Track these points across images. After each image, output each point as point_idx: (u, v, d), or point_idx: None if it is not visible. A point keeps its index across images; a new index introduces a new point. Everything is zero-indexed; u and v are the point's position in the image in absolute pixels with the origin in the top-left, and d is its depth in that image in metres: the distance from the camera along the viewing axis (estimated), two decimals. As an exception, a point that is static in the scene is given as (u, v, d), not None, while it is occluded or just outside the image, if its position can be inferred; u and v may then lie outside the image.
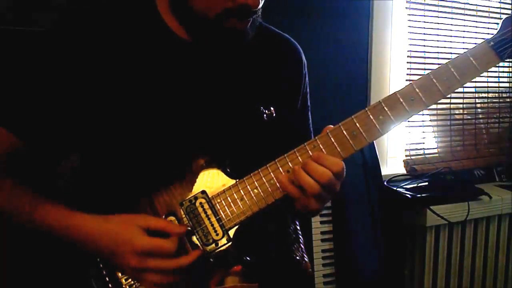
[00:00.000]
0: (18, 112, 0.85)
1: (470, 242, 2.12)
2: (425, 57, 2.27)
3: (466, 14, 2.36)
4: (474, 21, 2.39)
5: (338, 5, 2.04)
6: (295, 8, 1.92)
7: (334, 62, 2.05)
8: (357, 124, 0.82)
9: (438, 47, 2.29)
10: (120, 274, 0.84)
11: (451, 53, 2.31)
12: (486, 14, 2.42)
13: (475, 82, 2.42)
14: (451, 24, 2.32)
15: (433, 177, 2.14)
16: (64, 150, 0.93)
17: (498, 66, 2.48)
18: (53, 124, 0.86)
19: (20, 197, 0.84)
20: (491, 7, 2.43)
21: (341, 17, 2.05)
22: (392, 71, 2.19)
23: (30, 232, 0.88)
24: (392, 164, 2.27)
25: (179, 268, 0.79)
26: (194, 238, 0.83)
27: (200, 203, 0.84)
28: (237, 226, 0.84)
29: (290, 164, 0.82)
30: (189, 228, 0.83)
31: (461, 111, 2.44)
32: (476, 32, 2.39)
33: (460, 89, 2.36)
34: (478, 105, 2.50)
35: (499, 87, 2.54)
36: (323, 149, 0.82)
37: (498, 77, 2.53)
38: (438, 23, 2.28)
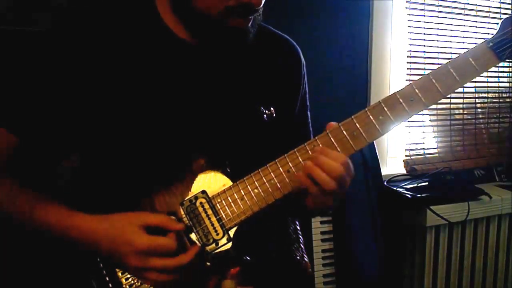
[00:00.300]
0: (18, 112, 0.85)
1: (470, 242, 2.12)
2: (425, 57, 2.27)
3: (466, 14, 2.37)
4: (474, 21, 2.39)
5: (338, 5, 2.04)
6: (295, 8, 1.92)
7: (334, 62, 2.05)
8: (357, 124, 0.82)
9: (438, 47, 2.29)
10: (120, 274, 0.85)
11: (451, 53, 2.31)
12: (486, 14, 2.42)
13: (475, 82, 2.42)
14: (451, 24, 2.32)
15: (433, 177, 2.14)
16: (64, 150, 0.93)
17: (498, 66, 2.48)
18: (53, 125, 0.86)
19: (20, 197, 0.84)
20: (491, 7, 2.43)
21: (341, 17, 2.05)
22: (392, 71, 2.19)
23: (30, 232, 0.88)
24: (392, 164, 2.27)
25: (180, 265, 0.79)
26: (194, 238, 0.83)
27: (201, 202, 0.84)
28: (237, 226, 0.84)
29: (290, 164, 0.83)
30: (188, 224, 0.83)
31: (461, 111, 2.45)
32: (476, 32, 2.39)
33: (460, 89, 2.36)
34: (478, 105, 2.50)
35: (499, 87, 2.54)
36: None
37: (498, 77, 2.53)
38: (438, 23, 2.28)
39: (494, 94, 2.53)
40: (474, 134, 2.46)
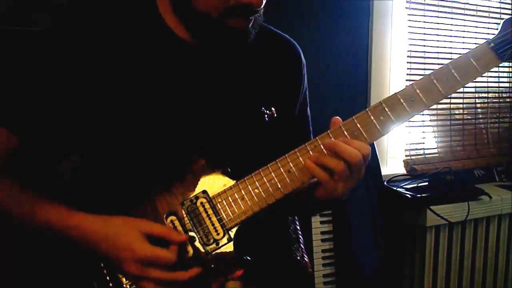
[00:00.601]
0: (18, 112, 0.85)
1: (470, 242, 2.12)
2: (425, 57, 2.27)
3: (466, 14, 2.37)
4: (474, 21, 2.39)
5: (338, 5, 2.04)
6: (295, 8, 1.92)
7: (334, 62, 2.05)
8: (358, 124, 0.82)
9: (438, 47, 2.30)
10: (120, 274, 0.84)
11: (451, 53, 2.31)
12: (486, 14, 2.42)
13: (475, 82, 2.42)
14: (451, 24, 2.32)
15: (433, 177, 2.14)
16: (64, 150, 0.93)
17: (498, 66, 2.47)
18: (53, 125, 0.86)
19: (20, 197, 0.84)
20: (491, 7, 2.43)
21: (341, 17, 2.05)
22: (392, 71, 2.19)
23: (30, 232, 0.88)
24: (392, 164, 2.27)
25: (178, 281, 0.79)
26: (195, 237, 0.83)
27: (201, 202, 0.84)
28: (238, 226, 0.84)
29: (291, 164, 0.82)
30: (191, 235, 0.83)
31: (461, 111, 2.45)
32: (476, 32, 2.39)
33: (460, 89, 2.35)
34: (478, 105, 2.50)
35: (499, 87, 2.54)
36: (324, 150, 0.82)
37: (498, 77, 2.53)
38: (438, 23, 2.29)
39: (494, 94, 2.53)
40: (474, 134, 2.46)
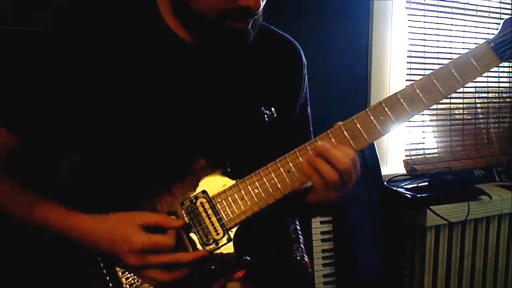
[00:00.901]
0: (18, 112, 0.85)
1: (470, 242, 2.12)
2: (425, 57, 2.27)
3: (466, 14, 2.37)
4: (474, 21, 2.39)
5: (338, 5, 2.04)
6: (295, 8, 1.92)
7: (334, 62, 2.05)
8: (358, 124, 0.82)
9: (438, 47, 2.30)
10: (120, 274, 0.85)
11: (451, 53, 2.31)
12: (486, 14, 2.42)
13: (475, 82, 2.42)
14: (451, 24, 2.32)
15: (433, 177, 2.14)
16: (64, 150, 0.93)
17: (498, 66, 2.47)
18: (53, 125, 0.86)
19: (20, 197, 0.84)
20: (491, 7, 2.43)
21: (341, 17, 2.05)
22: (392, 71, 2.19)
23: (30, 232, 0.88)
24: (392, 164, 2.27)
25: (179, 262, 0.79)
26: (194, 238, 0.83)
27: (201, 202, 0.84)
28: (237, 226, 0.84)
29: (290, 164, 0.83)
30: (188, 222, 0.83)
31: (461, 111, 2.45)
32: (476, 32, 2.39)
33: (460, 89, 2.35)
34: (478, 105, 2.50)
35: (499, 87, 2.54)
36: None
37: (498, 77, 2.53)
38: (438, 23, 2.29)
39: (494, 94, 2.53)
40: (474, 134, 2.46)
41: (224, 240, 0.83)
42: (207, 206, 0.84)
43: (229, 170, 0.85)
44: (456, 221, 2.02)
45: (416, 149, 2.31)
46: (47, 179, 0.94)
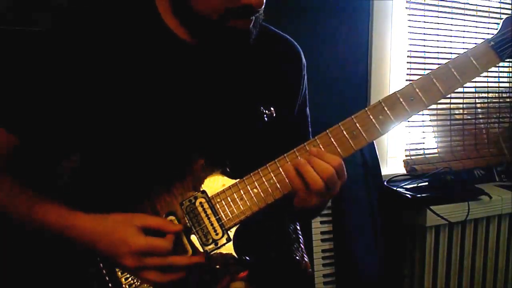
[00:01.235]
0: (17, 112, 0.85)
1: (470, 242, 2.12)
2: (425, 57, 2.27)
3: (466, 14, 2.36)
4: (474, 21, 2.39)
5: (338, 5, 2.03)
6: (295, 8, 1.92)
7: (334, 62, 2.04)
8: (357, 124, 0.82)
9: (438, 47, 2.29)
10: (119, 274, 0.85)
11: (451, 53, 2.31)
12: (486, 14, 2.42)
13: (475, 82, 2.42)
14: (451, 24, 2.32)
15: (433, 177, 2.14)
16: (64, 150, 0.93)
17: (498, 66, 2.48)
18: (53, 125, 0.86)
19: (20, 197, 0.84)
20: (491, 7, 2.43)
21: (341, 17, 2.05)
22: (392, 71, 2.19)
23: (30, 232, 0.88)
24: (392, 164, 2.27)
25: (176, 265, 0.79)
26: (193, 238, 0.83)
27: (200, 202, 0.84)
28: (236, 226, 0.84)
29: (290, 164, 0.82)
30: (188, 225, 0.83)
31: (461, 111, 2.44)
32: (476, 32, 2.39)
33: (460, 89, 2.36)
34: (478, 105, 2.50)
35: (499, 87, 2.54)
36: (323, 149, 0.82)
37: (498, 77, 2.53)
38: (438, 23, 2.28)
39: (494, 94, 2.53)
40: (474, 134, 2.46)
41: (224, 240, 0.83)
42: (206, 206, 0.84)
43: (228, 169, 0.85)
44: (456, 221, 2.01)
45: (416, 149, 2.30)
46: (47, 179, 0.94)
